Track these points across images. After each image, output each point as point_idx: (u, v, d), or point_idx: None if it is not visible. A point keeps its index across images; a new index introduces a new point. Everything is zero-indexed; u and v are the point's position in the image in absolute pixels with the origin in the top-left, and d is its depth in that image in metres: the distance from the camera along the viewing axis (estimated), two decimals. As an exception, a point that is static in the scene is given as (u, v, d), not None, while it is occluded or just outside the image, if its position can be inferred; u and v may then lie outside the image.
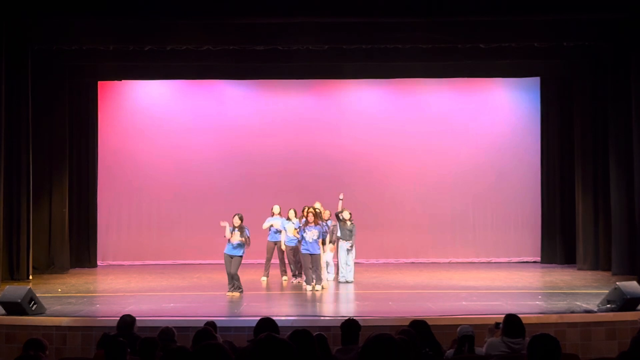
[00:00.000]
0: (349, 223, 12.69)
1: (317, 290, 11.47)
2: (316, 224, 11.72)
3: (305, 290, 11.56)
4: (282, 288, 12.41)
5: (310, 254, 11.63)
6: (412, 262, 16.06)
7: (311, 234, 11.64)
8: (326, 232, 12.30)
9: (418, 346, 5.44)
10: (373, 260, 15.92)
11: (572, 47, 13.83)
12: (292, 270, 12.76)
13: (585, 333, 8.63)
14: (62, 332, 8.60)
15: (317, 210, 12.23)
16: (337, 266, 12.98)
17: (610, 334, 8.63)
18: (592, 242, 14.23)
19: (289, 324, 7.75)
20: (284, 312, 9.77)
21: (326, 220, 12.63)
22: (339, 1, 11.73)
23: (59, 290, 11.69)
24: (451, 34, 12.75)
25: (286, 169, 16.25)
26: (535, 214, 16.12)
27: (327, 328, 7.46)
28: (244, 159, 16.30)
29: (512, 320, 5.90)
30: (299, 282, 12.44)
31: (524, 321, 5.92)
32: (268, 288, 12.44)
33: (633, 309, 8.95)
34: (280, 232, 12.79)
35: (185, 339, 6.40)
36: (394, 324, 7.90)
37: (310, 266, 11.60)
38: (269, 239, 13.02)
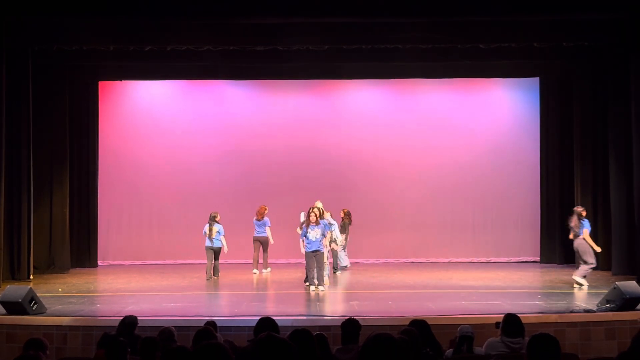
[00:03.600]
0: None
1: (321, 291, 11.34)
2: (317, 223, 11.66)
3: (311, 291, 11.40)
4: (282, 288, 12.41)
5: (314, 254, 11.48)
6: (412, 262, 16.07)
7: (314, 233, 11.54)
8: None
9: (419, 346, 5.45)
10: (373, 260, 15.93)
11: (572, 47, 13.83)
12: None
13: (585, 333, 8.64)
14: (63, 331, 8.62)
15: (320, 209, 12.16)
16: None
17: (610, 334, 8.64)
18: (592, 241, 14.22)
19: (289, 324, 7.75)
20: (284, 312, 9.76)
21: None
22: (339, 1, 11.73)
23: (60, 290, 11.70)
24: (451, 34, 12.75)
25: (286, 169, 16.26)
26: (535, 213, 16.13)
27: (327, 328, 7.46)
28: (244, 159, 16.30)
29: (511, 320, 5.91)
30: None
31: (523, 321, 5.93)
32: (268, 288, 12.44)
33: (632, 308, 8.97)
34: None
35: (185, 339, 6.43)
36: (394, 323, 7.91)
37: (315, 266, 11.50)
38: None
